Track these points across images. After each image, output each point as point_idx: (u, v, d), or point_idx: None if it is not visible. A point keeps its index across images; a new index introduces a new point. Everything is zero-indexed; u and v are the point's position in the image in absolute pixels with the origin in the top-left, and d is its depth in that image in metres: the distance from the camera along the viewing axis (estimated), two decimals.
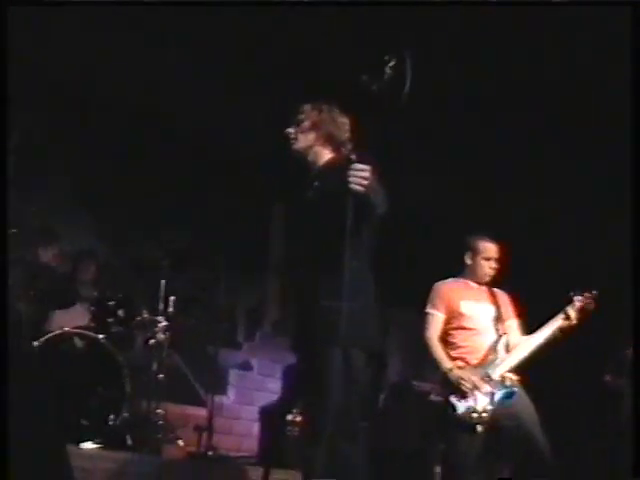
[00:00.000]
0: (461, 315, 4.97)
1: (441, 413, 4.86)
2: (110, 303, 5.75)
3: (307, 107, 3.73)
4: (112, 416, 5.26)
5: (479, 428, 4.56)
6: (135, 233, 7.38)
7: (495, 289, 5.14)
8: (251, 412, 7.51)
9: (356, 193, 3.01)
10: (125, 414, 5.30)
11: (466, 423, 4.60)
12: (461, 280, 5.15)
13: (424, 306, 5.14)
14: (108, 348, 5.39)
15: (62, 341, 5.35)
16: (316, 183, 3.57)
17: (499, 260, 5.08)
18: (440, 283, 5.18)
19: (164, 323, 5.77)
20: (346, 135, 3.69)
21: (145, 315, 5.83)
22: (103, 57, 6.54)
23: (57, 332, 5.39)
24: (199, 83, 6.80)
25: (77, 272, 6.33)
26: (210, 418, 6.15)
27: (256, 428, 7.03)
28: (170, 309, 5.90)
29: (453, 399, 4.68)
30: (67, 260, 6.55)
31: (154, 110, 7.10)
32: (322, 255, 3.32)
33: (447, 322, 5.04)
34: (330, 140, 3.69)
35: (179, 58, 6.55)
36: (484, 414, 4.57)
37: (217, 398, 6.66)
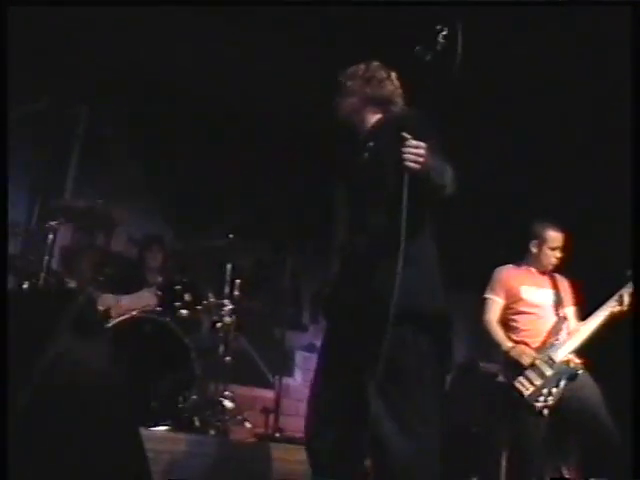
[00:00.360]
0: (522, 300, 4.96)
1: (508, 395, 4.85)
2: (177, 287, 5.81)
3: (347, 71, 3.59)
4: (181, 399, 5.33)
5: (545, 411, 4.54)
6: (201, 217, 7.44)
7: (556, 274, 5.11)
8: (298, 392, 7.52)
9: (412, 171, 2.93)
10: (193, 396, 5.37)
11: (532, 406, 4.59)
12: (523, 267, 5.12)
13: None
14: (176, 332, 5.46)
15: (131, 326, 5.43)
16: (370, 143, 3.41)
17: (563, 249, 5.04)
18: (501, 268, 5.18)
19: (230, 306, 5.82)
20: (393, 91, 3.53)
21: (211, 299, 5.89)
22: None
23: (126, 317, 5.48)
24: (250, 66, 6.83)
25: (144, 257, 6.42)
26: (277, 400, 6.20)
27: (302, 408, 7.04)
28: (236, 292, 5.96)
29: (519, 382, 4.66)
30: (134, 246, 6.65)
31: (216, 94, 7.15)
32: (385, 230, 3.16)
33: (507, 307, 5.03)
34: (374, 100, 3.52)
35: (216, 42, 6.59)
36: (550, 397, 4.55)
37: (284, 380, 6.69)
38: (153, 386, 5.32)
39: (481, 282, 5.25)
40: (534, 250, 5.06)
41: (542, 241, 5.03)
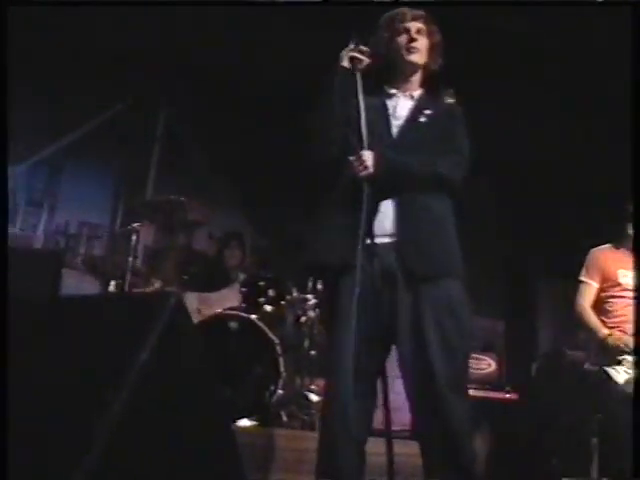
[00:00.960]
0: (618, 284, 4.82)
1: (597, 383, 4.76)
2: (260, 283, 5.85)
3: (425, 15, 3.44)
4: (267, 393, 5.37)
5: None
6: (280, 212, 7.47)
7: None
8: (400, 385, 7.47)
9: (367, 177, 3.10)
10: (280, 391, 5.39)
11: (624, 393, 4.49)
12: (621, 249, 4.98)
13: (575, 274, 5.03)
14: (261, 328, 5.49)
15: (216, 323, 5.49)
16: (428, 110, 3.35)
17: None
18: (596, 250, 5.04)
19: (314, 300, 5.85)
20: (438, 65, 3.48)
21: (295, 294, 5.92)
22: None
23: (211, 315, 5.55)
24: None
25: (226, 255, 6.49)
26: None
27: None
28: (319, 286, 5.96)
29: (614, 369, 4.57)
30: (215, 243, 6.72)
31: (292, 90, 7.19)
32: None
33: (601, 290, 4.91)
34: (432, 66, 3.47)
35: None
36: None
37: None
38: (239, 382, 5.38)
39: (569, 268, 5.16)
40: (630, 232, 4.89)
41: None
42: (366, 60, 3.30)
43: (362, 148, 3.15)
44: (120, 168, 7.73)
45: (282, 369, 5.38)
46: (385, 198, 3.18)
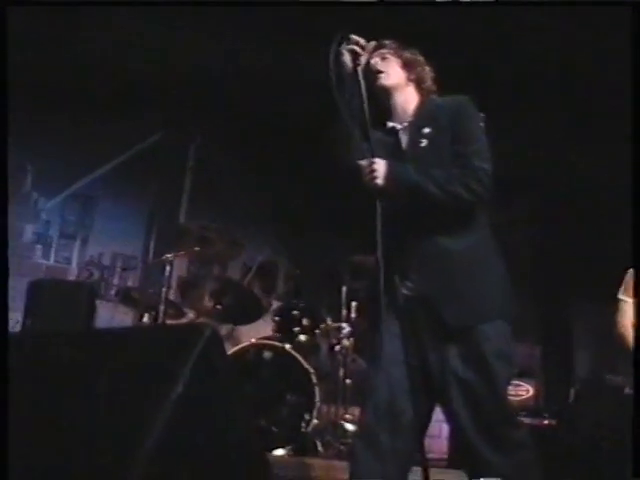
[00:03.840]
0: None
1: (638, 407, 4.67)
2: (294, 312, 5.85)
3: (391, 43, 3.27)
4: (303, 423, 5.35)
5: None
6: (314, 241, 7.47)
7: None
8: (440, 413, 7.42)
9: (377, 187, 2.94)
10: (315, 420, 5.36)
11: None
12: None
13: (611, 296, 4.95)
14: (295, 357, 5.47)
15: (251, 353, 5.48)
16: (426, 129, 3.14)
17: None
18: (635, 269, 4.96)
19: (348, 329, 5.82)
20: (431, 81, 3.31)
21: (329, 322, 5.90)
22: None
23: (246, 344, 5.54)
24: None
25: (260, 284, 6.49)
26: None
27: (445, 429, 6.96)
28: (353, 315, 5.94)
29: None
30: (250, 273, 6.72)
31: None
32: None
33: None
34: (420, 84, 3.27)
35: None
36: None
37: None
38: (274, 411, 5.36)
39: (604, 289, 5.08)
40: None
41: None
42: (366, 55, 3.16)
43: (372, 155, 3.00)
44: (152, 199, 7.77)
45: (317, 398, 5.36)
46: (403, 234, 3.02)
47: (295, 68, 6.70)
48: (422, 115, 3.21)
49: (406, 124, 3.22)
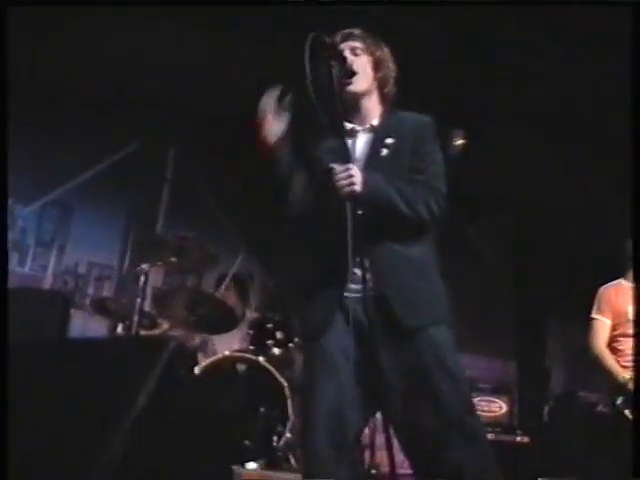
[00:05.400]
0: (628, 321, 4.75)
1: (611, 425, 4.68)
2: (268, 326, 5.83)
3: (361, 32, 3.18)
4: (275, 437, 5.32)
5: None
6: (286, 254, 7.45)
7: None
8: None
9: (352, 194, 2.86)
10: (288, 434, 5.34)
11: None
12: (625, 283, 4.91)
13: (585, 313, 4.96)
14: (269, 370, 5.46)
15: (223, 365, 5.46)
16: (389, 140, 3.08)
17: None
18: (606, 287, 4.97)
19: None
20: (393, 83, 3.23)
21: None
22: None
23: (219, 356, 5.51)
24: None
25: (235, 296, 6.46)
26: (372, 435, 6.11)
27: None
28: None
29: (628, 410, 4.49)
30: (224, 285, 6.69)
31: None
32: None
33: (613, 328, 4.83)
34: (383, 88, 3.20)
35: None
36: None
37: (378, 414, 6.63)
38: (247, 424, 5.33)
39: (579, 307, 5.10)
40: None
41: None
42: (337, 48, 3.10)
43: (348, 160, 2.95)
44: (129, 209, 7.74)
45: (290, 412, 5.34)
46: (367, 243, 2.94)
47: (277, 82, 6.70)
48: (385, 125, 3.16)
49: (368, 126, 3.18)
